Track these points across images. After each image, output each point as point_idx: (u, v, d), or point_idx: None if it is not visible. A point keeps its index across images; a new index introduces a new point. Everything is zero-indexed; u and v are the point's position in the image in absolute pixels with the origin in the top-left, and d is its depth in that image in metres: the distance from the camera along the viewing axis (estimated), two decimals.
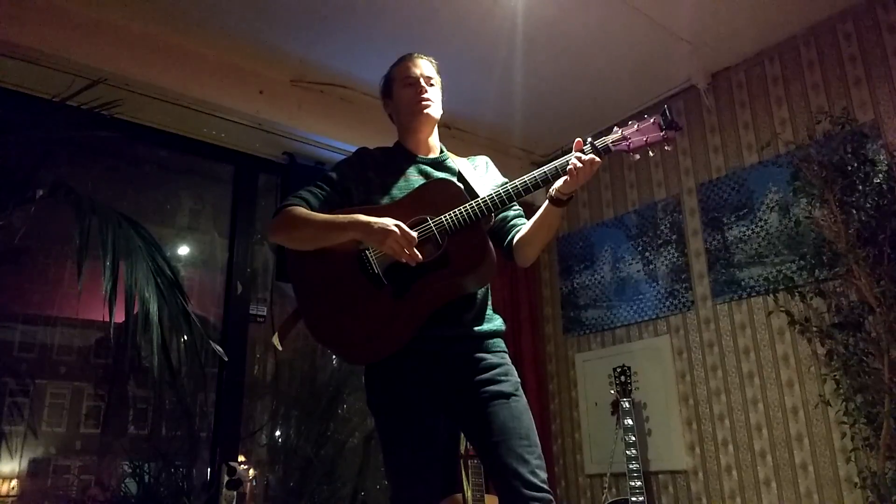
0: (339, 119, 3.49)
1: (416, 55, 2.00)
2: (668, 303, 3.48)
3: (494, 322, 1.87)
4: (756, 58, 3.31)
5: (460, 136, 3.77)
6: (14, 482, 2.80)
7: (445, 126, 3.79)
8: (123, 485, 2.96)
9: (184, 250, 3.51)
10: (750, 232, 3.17)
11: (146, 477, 2.94)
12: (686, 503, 3.22)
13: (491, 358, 1.80)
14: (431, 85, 1.96)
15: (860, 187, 2.63)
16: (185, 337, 2.53)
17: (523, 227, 1.89)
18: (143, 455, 3.06)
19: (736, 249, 3.22)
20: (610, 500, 3.25)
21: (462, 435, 3.15)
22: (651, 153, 1.77)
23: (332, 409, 3.73)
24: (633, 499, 3.08)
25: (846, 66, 2.98)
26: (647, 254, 3.63)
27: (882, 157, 2.71)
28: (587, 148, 1.73)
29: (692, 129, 3.54)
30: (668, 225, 3.55)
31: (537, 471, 1.67)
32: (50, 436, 2.94)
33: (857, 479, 2.59)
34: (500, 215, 1.93)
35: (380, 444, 1.82)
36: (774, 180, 3.12)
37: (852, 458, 2.64)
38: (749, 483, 3.03)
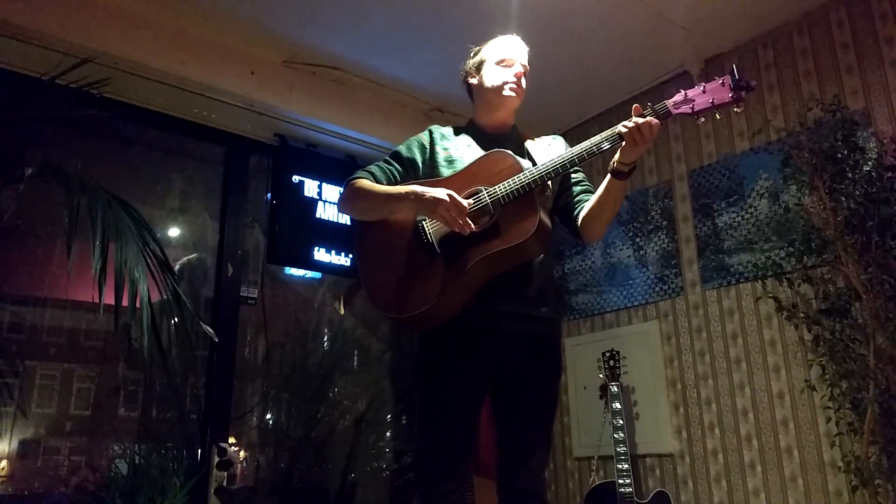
0: (332, 101, 3.47)
1: (517, 38, 2.04)
2: (657, 288, 3.50)
3: (554, 304, 1.88)
4: (749, 44, 3.31)
5: (454, 120, 3.75)
6: (4, 463, 2.80)
7: (438, 110, 3.79)
8: (114, 466, 2.96)
9: (174, 232, 3.49)
10: (740, 218, 3.19)
11: (136, 458, 2.94)
12: (672, 486, 3.26)
13: (540, 348, 1.84)
14: (525, 75, 1.99)
15: (850, 175, 2.64)
16: (176, 318, 2.53)
17: (588, 202, 1.88)
18: (133, 436, 3.06)
19: (725, 236, 3.23)
20: (597, 483, 3.28)
21: None
22: (718, 116, 1.71)
23: (323, 392, 3.74)
24: (621, 481, 3.12)
25: (838, 53, 2.99)
26: (637, 239, 3.64)
27: (872, 145, 2.72)
28: (647, 112, 1.69)
29: (684, 116, 3.53)
30: (659, 211, 3.57)
31: (536, 472, 1.79)
32: (40, 417, 2.94)
33: (840, 464, 2.63)
34: (567, 190, 1.94)
35: (419, 407, 1.85)
36: (765, 167, 3.13)
37: (837, 443, 2.68)
38: (735, 466, 3.06)
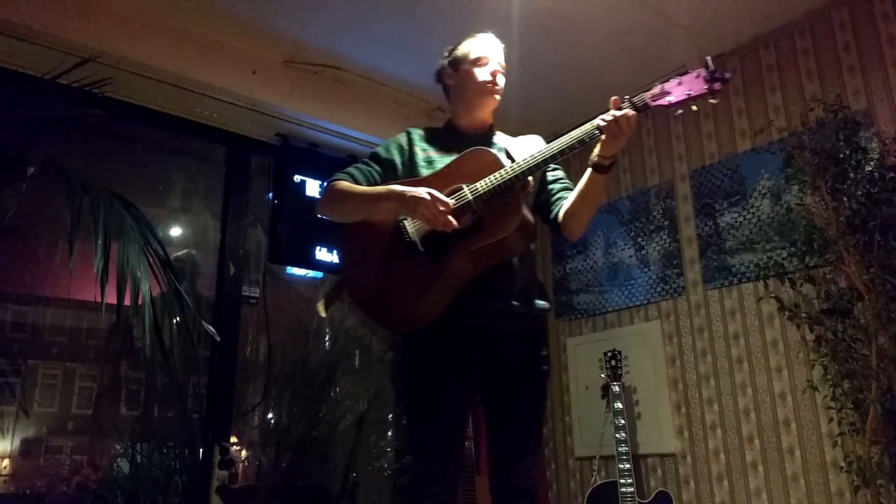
0: (333, 101, 3.47)
1: (492, 36, 2.04)
2: (659, 288, 3.49)
3: (538, 302, 1.86)
4: (751, 44, 3.31)
5: None
6: (6, 462, 2.80)
7: (440, 109, 3.78)
8: (116, 465, 2.97)
9: (176, 231, 3.50)
10: (741, 218, 3.19)
11: (138, 457, 2.95)
12: (674, 486, 3.26)
13: (527, 345, 1.83)
14: (503, 74, 1.99)
15: (852, 175, 2.63)
16: (178, 318, 2.53)
17: (568, 198, 1.87)
18: (135, 436, 3.06)
19: (727, 236, 3.23)
20: (599, 483, 3.28)
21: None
22: (695, 108, 1.70)
23: (325, 392, 3.74)
24: (622, 481, 3.12)
25: (840, 53, 2.98)
26: (639, 239, 3.64)
27: (874, 145, 2.72)
28: (624, 105, 1.69)
29: (686, 115, 3.53)
30: (661, 211, 3.56)
31: (528, 470, 1.78)
32: (42, 416, 2.94)
33: (842, 464, 2.62)
34: (546, 187, 1.93)
35: (407, 408, 1.85)
36: (767, 167, 3.12)
37: (839, 443, 2.67)
38: (736, 466, 3.06)
